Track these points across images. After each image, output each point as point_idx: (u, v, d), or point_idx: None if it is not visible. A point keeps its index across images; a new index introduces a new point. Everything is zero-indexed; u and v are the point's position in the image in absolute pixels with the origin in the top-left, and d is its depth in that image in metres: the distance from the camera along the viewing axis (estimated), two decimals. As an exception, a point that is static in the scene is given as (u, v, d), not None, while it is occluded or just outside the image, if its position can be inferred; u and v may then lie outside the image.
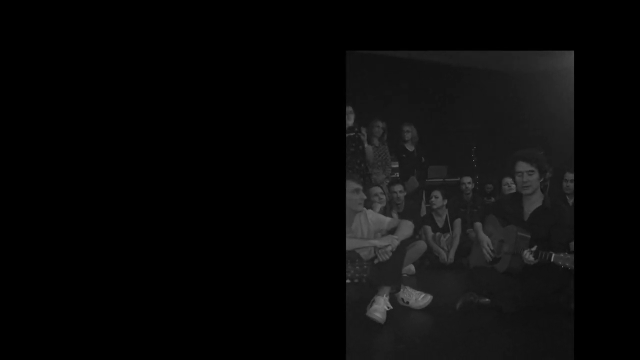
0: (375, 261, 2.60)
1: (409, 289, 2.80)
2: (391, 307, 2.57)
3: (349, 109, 4.07)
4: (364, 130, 4.10)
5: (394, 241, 2.59)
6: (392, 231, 2.74)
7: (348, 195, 2.79)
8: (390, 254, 2.57)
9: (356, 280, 2.10)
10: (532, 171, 2.64)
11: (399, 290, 2.73)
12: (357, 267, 2.08)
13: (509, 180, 4.39)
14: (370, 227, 2.88)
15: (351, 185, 2.82)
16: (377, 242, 2.62)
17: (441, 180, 5.47)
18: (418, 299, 2.75)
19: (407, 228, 2.75)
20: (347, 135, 4.06)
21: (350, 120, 4.03)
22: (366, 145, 4.10)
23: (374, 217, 2.95)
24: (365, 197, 2.89)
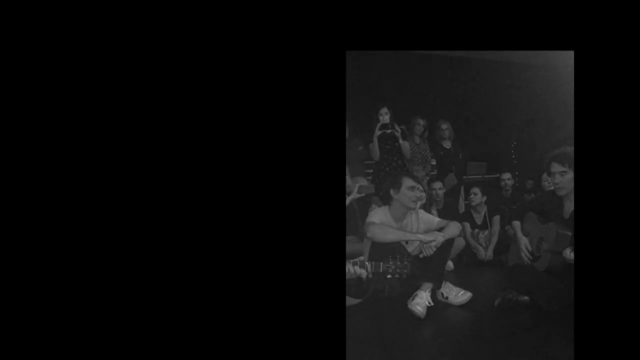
0: (421, 256, 2.69)
1: (449, 285, 2.86)
2: (432, 304, 2.64)
3: (384, 109, 4.12)
4: (397, 127, 4.14)
5: (438, 237, 2.67)
6: (439, 231, 2.80)
7: (403, 191, 2.88)
8: (435, 249, 2.66)
9: (397, 276, 2.17)
10: (565, 172, 2.59)
11: (440, 287, 2.80)
12: (398, 263, 2.14)
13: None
14: (420, 225, 2.96)
15: (408, 182, 2.90)
16: (422, 237, 2.70)
17: (480, 176, 5.46)
18: (458, 295, 2.81)
19: (454, 228, 2.81)
20: (381, 132, 4.11)
21: (385, 120, 4.08)
22: (401, 141, 4.15)
23: (425, 217, 3.02)
24: (419, 194, 2.95)
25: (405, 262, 2.14)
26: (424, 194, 3.94)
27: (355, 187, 3.51)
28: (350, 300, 2.19)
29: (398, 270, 2.13)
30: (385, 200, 3.02)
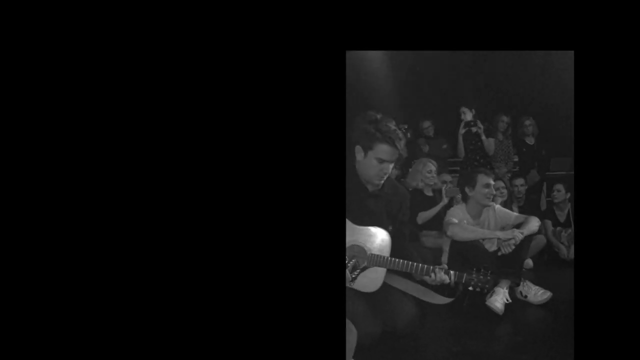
0: (499, 253, 2.72)
1: (528, 283, 2.87)
2: (510, 301, 2.68)
3: (463, 108, 4.15)
4: (480, 123, 4.14)
5: (517, 235, 2.68)
6: (518, 226, 2.81)
7: (478, 189, 2.92)
8: (513, 247, 2.68)
9: (478, 289, 2.14)
10: None
11: (519, 284, 2.83)
12: (481, 277, 2.13)
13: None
14: (497, 221, 2.98)
15: (483, 179, 2.94)
16: (501, 234, 2.73)
17: (564, 172, 5.32)
18: (537, 294, 2.82)
19: (533, 224, 2.80)
20: (465, 130, 4.13)
21: (468, 118, 4.11)
22: (484, 138, 4.15)
23: (502, 212, 3.04)
24: (494, 192, 2.99)
25: (488, 277, 2.16)
26: (505, 191, 3.97)
27: (443, 190, 3.59)
28: (440, 299, 2.27)
29: (480, 284, 2.12)
30: (462, 198, 3.09)
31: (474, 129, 4.12)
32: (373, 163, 2.13)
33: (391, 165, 2.18)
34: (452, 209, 3.06)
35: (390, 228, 2.20)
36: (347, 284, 1.86)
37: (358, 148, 2.18)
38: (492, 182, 2.96)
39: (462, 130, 4.13)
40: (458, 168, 4.46)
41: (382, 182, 2.21)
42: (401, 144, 2.14)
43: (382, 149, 2.11)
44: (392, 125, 2.14)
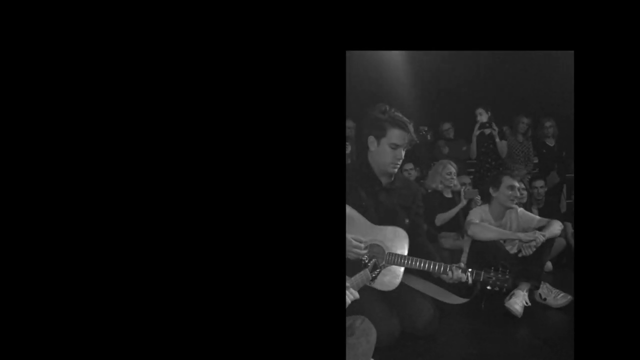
0: (520, 255, 2.73)
1: (548, 286, 2.86)
2: (530, 304, 2.67)
3: (479, 109, 4.14)
4: (495, 126, 4.13)
5: (538, 237, 2.68)
6: (540, 229, 2.81)
7: (502, 190, 2.93)
8: (534, 249, 2.69)
9: (496, 289, 2.14)
10: None
11: (538, 287, 2.82)
12: (500, 276, 2.12)
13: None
14: (520, 223, 2.98)
15: (508, 181, 2.94)
16: (522, 236, 2.73)
17: (585, 174, 5.26)
18: (557, 297, 2.81)
19: (555, 227, 2.80)
20: (480, 131, 4.12)
21: (483, 119, 4.10)
22: (497, 140, 4.13)
23: (525, 215, 3.04)
24: (518, 194, 2.98)
25: (507, 276, 2.15)
26: (525, 192, 3.95)
27: (462, 192, 3.60)
28: (456, 299, 2.28)
29: (498, 283, 2.12)
30: (485, 198, 3.09)
31: (487, 131, 4.11)
32: (387, 150, 2.19)
33: (404, 152, 2.22)
34: (474, 209, 3.06)
35: (407, 221, 2.22)
36: (368, 284, 1.89)
37: (371, 139, 2.24)
38: (516, 184, 2.96)
39: (476, 132, 4.13)
40: (473, 169, 4.46)
41: (396, 170, 2.25)
42: (411, 129, 2.20)
43: (395, 134, 2.18)
44: (400, 114, 2.21)
